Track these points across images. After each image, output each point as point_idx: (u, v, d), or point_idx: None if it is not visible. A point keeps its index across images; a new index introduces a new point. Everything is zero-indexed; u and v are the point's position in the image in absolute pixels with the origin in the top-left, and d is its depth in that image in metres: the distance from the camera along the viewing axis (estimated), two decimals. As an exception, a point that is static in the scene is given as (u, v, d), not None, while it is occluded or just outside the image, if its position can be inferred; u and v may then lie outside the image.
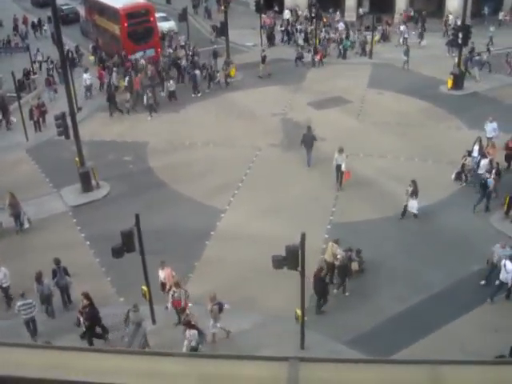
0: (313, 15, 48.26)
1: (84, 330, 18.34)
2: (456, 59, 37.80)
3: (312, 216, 24.19)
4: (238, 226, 24.20)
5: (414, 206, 23.91)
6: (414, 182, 23.74)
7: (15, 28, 56.24)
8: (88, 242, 23.85)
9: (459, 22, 41.63)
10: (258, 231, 23.58)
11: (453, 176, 26.61)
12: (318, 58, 43.60)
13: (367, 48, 44.81)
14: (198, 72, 39.37)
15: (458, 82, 37.30)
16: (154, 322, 19.10)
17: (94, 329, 18.48)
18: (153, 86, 37.93)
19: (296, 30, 49.92)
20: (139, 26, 43.42)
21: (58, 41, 26.88)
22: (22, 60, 42.45)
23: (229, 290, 20.37)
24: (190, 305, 18.87)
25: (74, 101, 29.13)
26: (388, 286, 20.61)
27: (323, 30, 48.33)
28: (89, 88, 38.77)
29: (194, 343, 17.06)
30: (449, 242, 22.52)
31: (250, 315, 19.53)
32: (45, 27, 56.19)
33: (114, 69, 40.62)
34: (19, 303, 18.90)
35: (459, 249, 22.10)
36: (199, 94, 38.76)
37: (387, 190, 25.08)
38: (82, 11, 55.47)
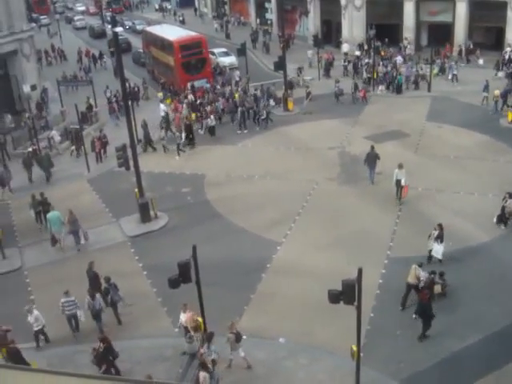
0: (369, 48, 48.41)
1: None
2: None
3: (369, 250, 23.92)
4: (295, 259, 24.12)
5: (439, 251, 22.76)
6: (439, 226, 22.79)
7: (79, 60, 59.60)
8: (145, 272, 24.16)
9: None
10: (314, 265, 23.45)
11: (494, 219, 25.41)
12: (361, 95, 42.78)
13: (420, 81, 44.51)
14: (240, 109, 39.37)
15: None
16: (208, 353, 19.13)
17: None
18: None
19: (360, 64, 49.42)
20: (192, 57, 46.02)
21: (120, 75, 27.70)
22: (86, 93, 43.89)
23: (284, 323, 20.30)
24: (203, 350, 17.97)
25: (134, 133, 29.89)
26: (448, 322, 20.10)
27: (381, 63, 48.16)
28: (165, 118, 39.74)
29: None
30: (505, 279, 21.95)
31: (304, 350, 19.34)
32: (104, 59, 59.09)
33: (185, 101, 41.71)
34: (63, 300, 20.24)
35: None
36: (245, 131, 38.78)
37: (445, 224, 24.58)
38: (140, 43, 58.00)
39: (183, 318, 19.42)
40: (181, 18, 79.72)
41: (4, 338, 18.96)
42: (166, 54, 47.88)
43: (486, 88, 39.79)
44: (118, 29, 30.18)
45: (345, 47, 55.51)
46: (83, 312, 20.45)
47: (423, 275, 20.55)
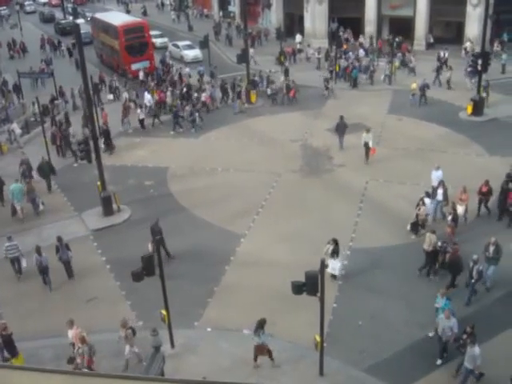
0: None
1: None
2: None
3: (331, 242, 24.17)
4: (258, 251, 24.27)
5: (335, 267, 21.71)
6: (334, 241, 21.80)
7: (42, 46, 61.95)
8: (108, 266, 24.02)
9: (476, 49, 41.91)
10: (277, 256, 23.63)
11: (408, 227, 24.73)
12: (291, 94, 42.09)
13: (374, 75, 45.23)
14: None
15: (477, 108, 37.30)
16: (172, 346, 19.14)
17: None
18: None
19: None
20: (135, 41, 49.43)
21: (82, 67, 27.38)
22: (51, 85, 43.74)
23: (248, 315, 20.35)
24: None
25: (96, 125, 29.68)
26: (407, 312, 20.47)
27: (343, 56, 48.43)
28: (151, 108, 40.30)
29: None
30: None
31: (268, 341, 19.47)
32: (62, 47, 60.66)
33: (169, 89, 42.49)
34: (6, 244, 23.02)
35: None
36: (181, 130, 38.12)
37: (406, 217, 24.98)
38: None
39: (70, 334, 18.61)
40: (143, 10, 79.14)
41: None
42: (112, 39, 51.04)
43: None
44: (80, 20, 29.91)
45: (298, 38, 55.91)
46: (24, 258, 22.95)
47: (435, 241, 21.80)
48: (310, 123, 38.13)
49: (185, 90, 42.44)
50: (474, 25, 49.91)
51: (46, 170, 30.68)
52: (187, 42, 57.14)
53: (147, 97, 40.67)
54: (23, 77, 44.83)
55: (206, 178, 31.22)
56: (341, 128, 33.67)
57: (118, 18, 54.76)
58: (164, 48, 58.26)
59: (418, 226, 24.64)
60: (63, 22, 72.87)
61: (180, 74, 47.19)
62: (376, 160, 31.69)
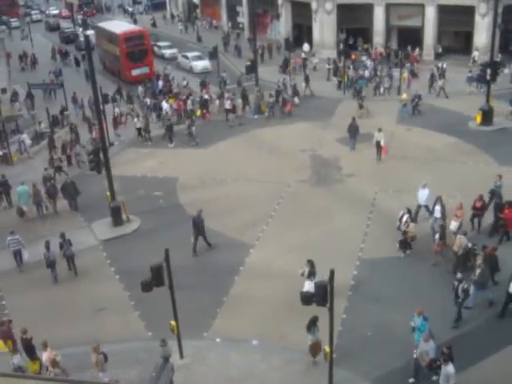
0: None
1: None
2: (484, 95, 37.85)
3: (341, 252, 24.13)
4: (267, 262, 24.26)
5: (310, 288, 19.77)
6: (310, 262, 21.19)
7: (53, 57, 63.84)
8: (118, 276, 24.08)
9: (485, 58, 41.94)
10: (286, 267, 23.56)
11: (397, 245, 24.24)
12: (286, 109, 41.39)
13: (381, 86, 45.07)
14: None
15: (487, 117, 37.22)
16: (181, 356, 19.12)
17: None
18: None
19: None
20: (135, 48, 52.06)
21: (91, 78, 27.60)
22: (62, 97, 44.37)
23: (257, 325, 20.42)
24: None
25: (105, 136, 29.84)
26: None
27: (351, 67, 48.44)
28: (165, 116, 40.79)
29: None
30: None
31: (277, 351, 19.46)
32: (70, 57, 62.35)
33: (191, 97, 43.19)
34: (9, 238, 24.58)
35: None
36: (171, 145, 37.67)
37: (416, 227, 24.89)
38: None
39: (45, 356, 18.42)
40: (152, 21, 79.65)
41: (9, 330, 19.09)
42: (114, 46, 53.76)
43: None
44: (89, 32, 30.19)
45: (305, 47, 56.21)
46: (26, 251, 24.76)
47: (466, 243, 22.10)
48: (319, 133, 38.11)
49: (206, 96, 42.83)
50: (482, 34, 49.89)
51: (71, 191, 29.58)
52: (196, 53, 57.49)
53: (164, 105, 41.28)
54: (34, 88, 45.23)
55: (216, 189, 31.25)
56: (352, 129, 34.76)
57: (119, 26, 57.30)
58: (173, 59, 59.27)
59: (406, 244, 24.11)
60: (67, 30, 76.24)
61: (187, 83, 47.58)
62: (385, 170, 31.67)
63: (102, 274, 24.26)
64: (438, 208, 24.73)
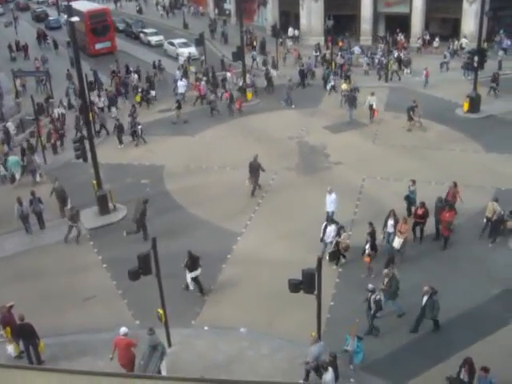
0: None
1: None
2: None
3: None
4: (255, 249, 24.22)
5: (188, 278, 21.47)
6: (189, 253, 21.23)
7: (37, 38, 64.59)
8: (105, 265, 23.94)
9: (471, 46, 42.12)
10: (274, 254, 23.58)
11: (327, 257, 22.72)
12: (236, 106, 39.83)
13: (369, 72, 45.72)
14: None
15: (474, 105, 37.30)
16: (169, 345, 19.05)
17: None
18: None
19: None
20: (99, 24, 57.92)
21: (76, 66, 27.33)
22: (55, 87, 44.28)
23: (245, 313, 20.39)
24: None
25: (92, 124, 29.58)
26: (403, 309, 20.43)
27: (339, 54, 48.31)
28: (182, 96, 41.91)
29: None
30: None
31: (266, 339, 19.45)
32: (48, 40, 63.38)
33: (204, 78, 44.14)
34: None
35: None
36: (121, 146, 35.80)
37: (403, 214, 24.90)
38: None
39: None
40: (137, 8, 79.08)
41: (11, 317, 18.73)
42: (80, 23, 54.35)
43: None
44: (75, 18, 29.90)
45: (290, 31, 56.95)
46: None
47: (499, 210, 23.29)
48: (306, 121, 38.07)
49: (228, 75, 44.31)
50: (470, 21, 49.99)
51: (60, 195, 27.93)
52: (183, 40, 57.38)
53: (181, 83, 42.29)
54: (18, 76, 44.77)
55: (203, 176, 31.12)
56: (351, 99, 37.15)
57: (85, 5, 61.70)
58: (160, 46, 59.17)
59: (339, 255, 22.93)
60: (38, 10, 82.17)
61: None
62: (373, 157, 31.67)
63: (89, 263, 24.09)
64: (391, 222, 23.09)
